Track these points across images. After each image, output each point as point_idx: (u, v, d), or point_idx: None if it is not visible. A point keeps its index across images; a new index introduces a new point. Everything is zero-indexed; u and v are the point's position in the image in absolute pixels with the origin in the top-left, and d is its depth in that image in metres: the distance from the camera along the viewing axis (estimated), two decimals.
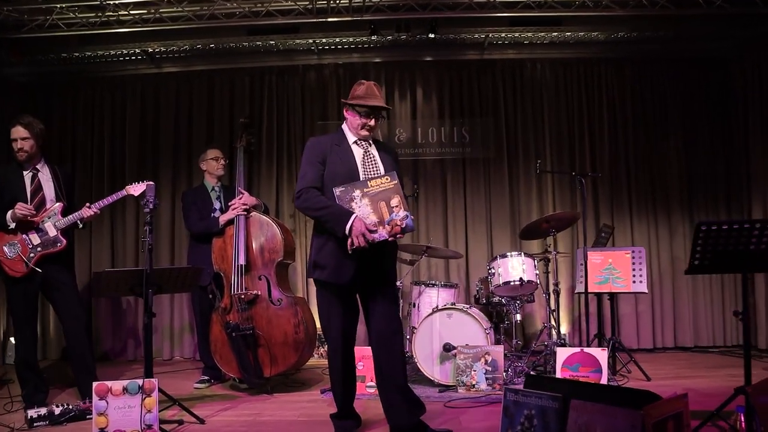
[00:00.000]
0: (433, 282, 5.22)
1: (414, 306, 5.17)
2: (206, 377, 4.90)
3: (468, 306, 4.72)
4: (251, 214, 4.69)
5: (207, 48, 6.19)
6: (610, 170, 6.18)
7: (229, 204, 4.72)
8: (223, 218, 4.70)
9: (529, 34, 6.12)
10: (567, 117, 6.30)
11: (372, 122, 3.26)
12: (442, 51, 6.28)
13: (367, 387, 4.47)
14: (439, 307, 4.72)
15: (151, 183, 3.83)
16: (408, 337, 5.03)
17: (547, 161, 6.22)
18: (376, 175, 3.18)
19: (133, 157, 6.34)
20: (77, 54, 6.24)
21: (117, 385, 3.43)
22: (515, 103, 6.31)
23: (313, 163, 3.26)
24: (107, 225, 6.32)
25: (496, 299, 5.03)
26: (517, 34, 6.11)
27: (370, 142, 3.36)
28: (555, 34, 6.10)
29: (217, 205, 4.92)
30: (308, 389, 4.72)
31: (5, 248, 4.09)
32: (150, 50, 6.20)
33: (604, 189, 6.19)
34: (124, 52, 6.23)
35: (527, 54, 6.35)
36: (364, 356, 4.49)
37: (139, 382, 3.44)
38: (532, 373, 4.28)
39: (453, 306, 4.68)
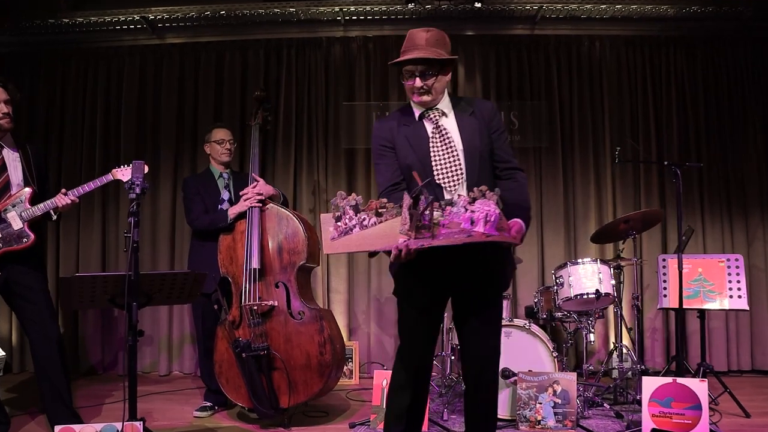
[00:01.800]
0: None
1: None
2: (208, 403, 4.05)
3: (528, 323, 3.87)
4: (267, 206, 3.86)
5: (217, 16, 5.36)
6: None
7: (241, 194, 3.88)
8: (232, 211, 3.86)
9: (588, 6, 5.27)
10: (630, 103, 5.45)
11: (418, 82, 2.39)
12: (487, 24, 5.43)
13: None
14: None
15: (140, 162, 2.97)
16: (452, 357, 4.20)
17: (606, 152, 5.37)
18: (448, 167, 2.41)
19: (129, 140, 5.51)
20: (67, 20, 5.40)
21: (88, 430, 2.60)
22: (570, 85, 5.46)
23: (381, 154, 2.51)
24: (98, 218, 5.50)
25: (558, 314, 4.18)
26: (574, 6, 5.27)
27: (442, 110, 2.48)
28: (618, 6, 5.25)
29: (225, 195, 4.08)
30: (333, 421, 3.88)
31: None
32: (151, 17, 5.37)
33: (671, 185, 5.33)
34: (122, 18, 5.39)
35: (584, 30, 5.49)
36: None
37: (118, 426, 2.61)
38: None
39: (511, 323, 3.84)
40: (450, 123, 2.47)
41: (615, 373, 4.26)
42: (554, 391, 3.64)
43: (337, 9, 5.26)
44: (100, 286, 2.79)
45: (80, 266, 5.44)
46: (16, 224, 3.30)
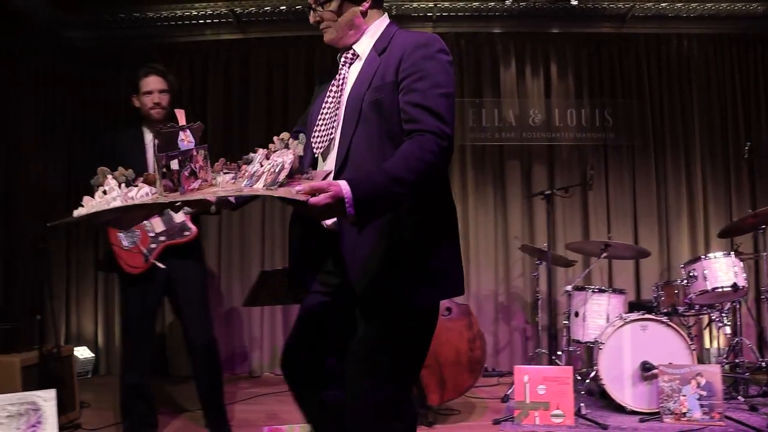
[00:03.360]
0: (602, 288, 4.36)
1: (577, 316, 4.30)
2: None
3: (666, 316, 3.86)
4: None
5: (304, 10, 5.27)
6: None
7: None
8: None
9: (679, 5, 5.28)
10: (719, 102, 5.48)
11: (311, 17, 1.95)
12: (575, 22, 5.42)
13: (552, 416, 3.61)
14: (630, 318, 3.87)
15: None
16: (577, 351, 4.19)
17: (696, 150, 5.39)
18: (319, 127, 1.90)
19: (217, 137, 5.39)
20: (151, 14, 5.29)
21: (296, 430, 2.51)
22: (660, 83, 5.47)
23: None
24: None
25: (681, 308, 4.17)
26: (665, 4, 5.28)
27: (355, 52, 1.92)
28: (709, 5, 5.27)
29: None
30: (471, 419, 3.82)
31: (120, 235, 3.14)
32: (238, 11, 5.27)
33: (762, 182, 5.36)
34: (209, 12, 5.29)
35: (671, 28, 5.51)
36: (546, 377, 3.67)
37: None
38: None
39: (647, 316, 3.83)
40: (355, 69, 1.91)
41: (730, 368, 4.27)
42: (698, 384, 3.63)
43: (431, 5, 5.21)
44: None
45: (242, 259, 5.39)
46: (178, 217, 3.18)
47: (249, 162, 1.67)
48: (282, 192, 1.49)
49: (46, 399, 3.20)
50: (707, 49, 5.52)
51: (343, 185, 1.53)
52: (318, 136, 1.88)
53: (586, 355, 4.87)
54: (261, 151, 1.66)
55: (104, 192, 1.71)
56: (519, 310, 5.26)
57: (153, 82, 3.24)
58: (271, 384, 4.89)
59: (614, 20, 5.43)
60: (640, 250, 4.60)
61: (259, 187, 1.54)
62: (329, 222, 1.80)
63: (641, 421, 3.62)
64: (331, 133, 1.85)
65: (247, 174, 1.64)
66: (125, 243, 3.15)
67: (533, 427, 3.57)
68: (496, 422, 3.66)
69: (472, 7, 5.28)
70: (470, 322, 3.60)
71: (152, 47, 5.48)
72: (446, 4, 5.22)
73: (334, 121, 1.85)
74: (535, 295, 4.72)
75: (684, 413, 3.61)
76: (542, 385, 3.66)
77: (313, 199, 1.48)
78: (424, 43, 1.80)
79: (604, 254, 4.29)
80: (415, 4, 5.22)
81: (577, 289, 4.36)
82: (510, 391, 4.14)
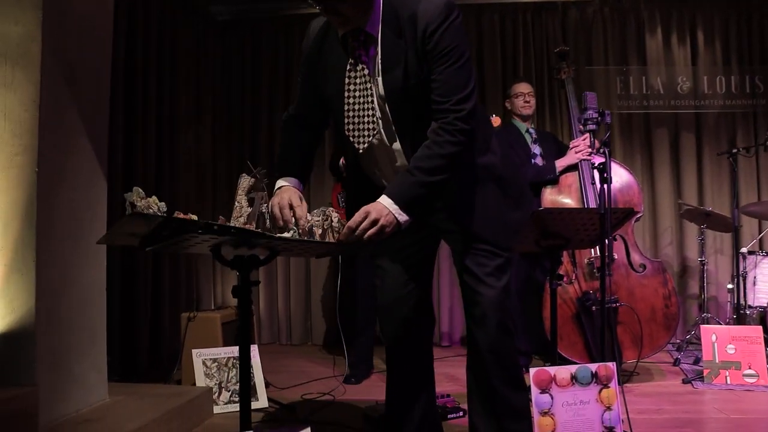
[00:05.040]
0: None
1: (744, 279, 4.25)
2: None
3: None
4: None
5: None
6: None
7: (571, 145, 3.83)
8: (561, 163, 3.80)
9: None
10: None
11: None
12: None
13: (744, 376, 3.58)
14: None
15: (591, 93, 2.88)
16: (753, 315, 4.14)
17: None
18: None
19: None
20: None
21: (563, 372, 2.54)
22: None
23: (300, 73, 2.18)
24: None
25: None
26: None
27: (367, 34, 1.87)
28: None
29: (537, 149, 4.02)
30: (655, 379, 3.81)
31: (339, 197, 3.73)
32: None
33: None
34: None
35: None
36: (734, 337, 3.65)
37: (592, 368, 2.55)
38: None
39: None
40: (373, 53, 1.88)
41: None
42: None
43: None
44: (577, 221, 2.72)
45: None
46: None
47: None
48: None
49: (251, 353, 3.29)
50: None
51: (383, 200, 1.78)
52: (358, 134, 1.91)
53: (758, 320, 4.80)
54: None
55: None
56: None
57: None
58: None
59: None
60: None
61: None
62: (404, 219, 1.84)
63: None
64: (374, 129, 1.89)
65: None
66: (339, 203, 3.71)
67: (725, 386, 3.55)
68: (686, 381, 3.64)
69: None
70: (665, 279, 3.60)
71: (293, 18, 5.55)
72: None
73: (372, 114, 1.89)
74: (697, 261, 4.68)
75: None
76: (731, 344, 3.64)
77: (370, 232, 1.73)
78: (438, 14, 1.80)
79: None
80: None
81: (750, 253, 4.31)
82: (680, 354, 4.13)
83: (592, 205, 3.65)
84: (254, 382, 3.23)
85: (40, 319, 2.33)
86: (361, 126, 1.89)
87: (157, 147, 4.48)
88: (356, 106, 1.89)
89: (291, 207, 1.79)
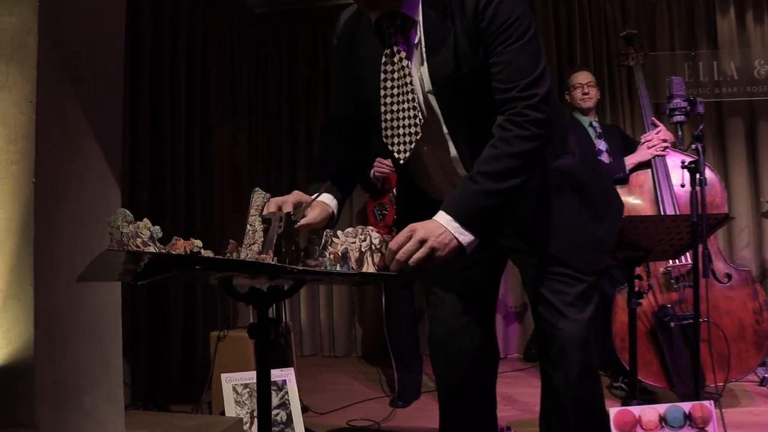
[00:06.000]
0: None
1: None
2: None
3: None
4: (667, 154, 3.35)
5: None
6: None
7: (643, 139, 3.39)
8: (631, 160, 3.36)
9: None
10: None
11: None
12: None
13: None
14: None
15: (678, 78, 2.48)
16: None
17: None
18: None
19: None
20: None
21: (649, 413, 2.14)
22: None
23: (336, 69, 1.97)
24: None
25: None
26: None
27: (405, 16, 1.53)
28: None
29: (602, 145, 3.60)
30: (743, 403, 3.35)
31: (374, 211, 3.46)
32: None
33: None
34: None
35: None
36: None
37: (685, 407, 2.14)
38: None
39: None
40: (414, 39, 1.55)
41: None
42: None
43: None
44: (661, 230, 2.31)
45: None
46: None
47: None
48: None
49: (287, 377, 2.98)
50: None
51: (439, 217, 1.41)
52: (398, 141, 1.55)
53: None
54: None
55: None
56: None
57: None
58: None
59: None
60: None
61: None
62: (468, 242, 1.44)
63: None
64: (417, 133, 1.53)
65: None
66: (378, 218, 3.40)
67: None
68: None
69: None
70: (754, 291, 3.14)
71: (331, 8, 5.22)
72: None
73: (414, 115, 1.53)
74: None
75: None
76: None
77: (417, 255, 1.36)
78: None
79: None
80: None
81: None
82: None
83: (669, 207, 3.22)
84: (290, 411, 2.91)
85: (40, 349, 2.03)
86: (401, 131, 1.54)
87: (187, 148, 4.21)
88: (394, 107, 1.55)
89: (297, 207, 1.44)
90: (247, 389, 2.91)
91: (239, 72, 5.05)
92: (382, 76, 1.54)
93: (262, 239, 1.23)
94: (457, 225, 1.39)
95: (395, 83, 1.53)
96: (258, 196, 1.32)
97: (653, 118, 3.44)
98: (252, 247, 1.23)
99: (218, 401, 3.06)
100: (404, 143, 1.54)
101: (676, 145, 3.36)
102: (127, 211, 1.23)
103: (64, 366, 2.17)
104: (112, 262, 1.11)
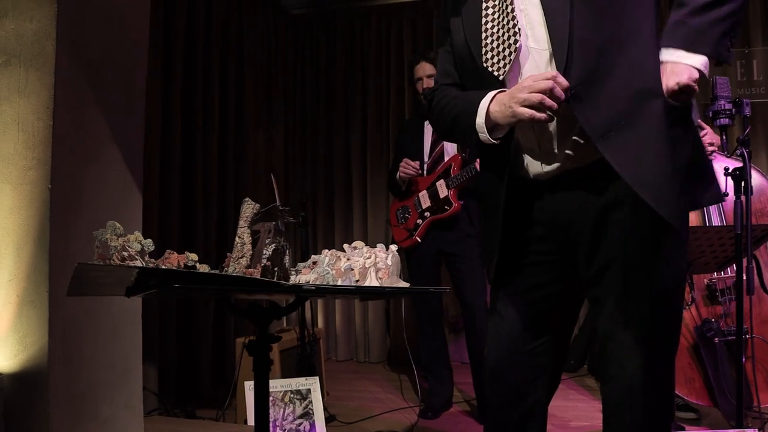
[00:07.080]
0: None
1: None
2: None
3: None
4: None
5: None
6: None
7: None
8: None
9: None
10: None
11: None
12: None
13: None
14: None
15: (723, 78, 2.33)
16: None
17: None
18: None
19: None
20: None
21: None
22: None
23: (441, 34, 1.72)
24: None
25: None
26: None
27: None
28: None
29: None
30: None
31: (397, 214, 3.39)
32: None
33: None
34: None
35: None
36: None
37: None
38: None
39: None
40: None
41: None
42: None
43: None
44: (703, 242, 2.17)
45: None
46: (442, 192, 3.25)
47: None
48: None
49: (311, 386, 2.92)
50: None
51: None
52: (494, 56, 1.43)
53: None
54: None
55: None
56: None
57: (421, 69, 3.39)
58: None
59: None
60: None
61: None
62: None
63: None
64: (516, 41, 1.40)
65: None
66: (400, 221, 3.36)
67: None
68: None
69: None
70: None
71: (369, 9, 5.16)
72: None
73: (513, 26, 1.41)
74: None
75: None
76: None
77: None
78: None
79: None
80: None
81: None
82: None
83: (715, 217, 3.03)
84: (313, 420, 2.85)
85: (55, 356, 2.02)
86: (497, 44, 1.43)
87: (221, 153, 4.19)
88: (493, 28, 1.44)
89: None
90: (270, 397, 2.86)
91: (275, 75, 5.02)
92: (483, 6, 1.46)
93: (250, 252, 1.16)
94: (683, 52, 1.32)
95: (497, 7, 1.45)
96: (248, 206, 1.26)
97: (699, 121, 3.25)
98: (240, 260, 1.16)
99: (242, 409, 3.02)
100: (506, 47, 1.42)
101: (722, 150, 3.16)
102: (117, 224, 1.18)
103: (80, 374, 2.15)
104: (92, 276, 1.05)
